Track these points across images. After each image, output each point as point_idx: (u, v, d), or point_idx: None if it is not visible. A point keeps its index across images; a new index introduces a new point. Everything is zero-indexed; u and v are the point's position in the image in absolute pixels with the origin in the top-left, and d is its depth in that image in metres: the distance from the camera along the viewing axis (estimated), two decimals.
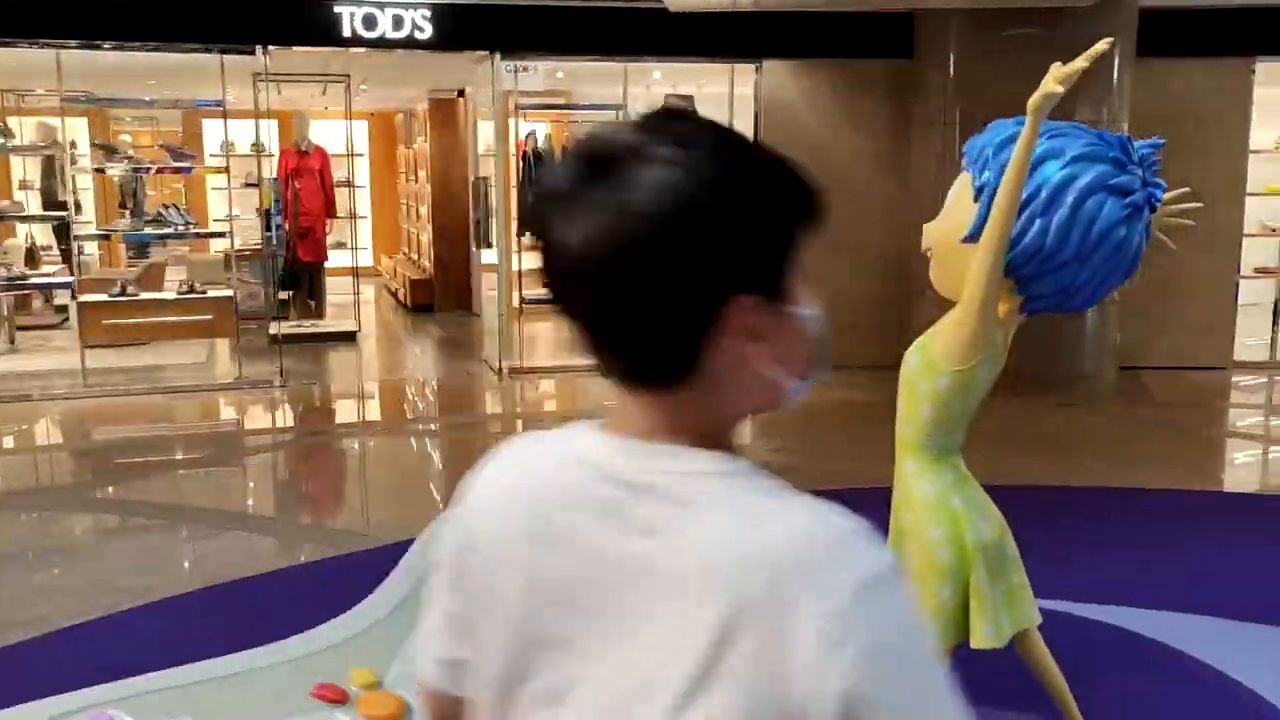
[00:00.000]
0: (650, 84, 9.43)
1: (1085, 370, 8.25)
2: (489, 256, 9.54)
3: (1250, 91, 8.83)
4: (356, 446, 7.11)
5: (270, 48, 8.17)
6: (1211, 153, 8.74)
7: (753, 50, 8.82)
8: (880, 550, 0.92)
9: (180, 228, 8.45)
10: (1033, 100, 2.38)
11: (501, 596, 0.97)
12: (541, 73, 9.33)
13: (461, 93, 12.32)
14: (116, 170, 8.84)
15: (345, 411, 8.28)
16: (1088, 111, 7.94)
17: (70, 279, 8.34)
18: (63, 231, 8.89)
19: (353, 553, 4.65)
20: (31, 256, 9.90)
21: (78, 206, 9.17)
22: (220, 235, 8.33)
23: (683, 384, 0.93)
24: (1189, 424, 7.94)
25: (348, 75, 10.24)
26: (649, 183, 0.89)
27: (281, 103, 9.00)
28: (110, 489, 6.14)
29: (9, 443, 7.18)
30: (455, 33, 8.30)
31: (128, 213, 10.36)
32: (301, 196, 10.19)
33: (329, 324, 10.67)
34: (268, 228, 9.09)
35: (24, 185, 11.39)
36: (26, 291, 9.23)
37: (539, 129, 8.97)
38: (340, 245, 11.07)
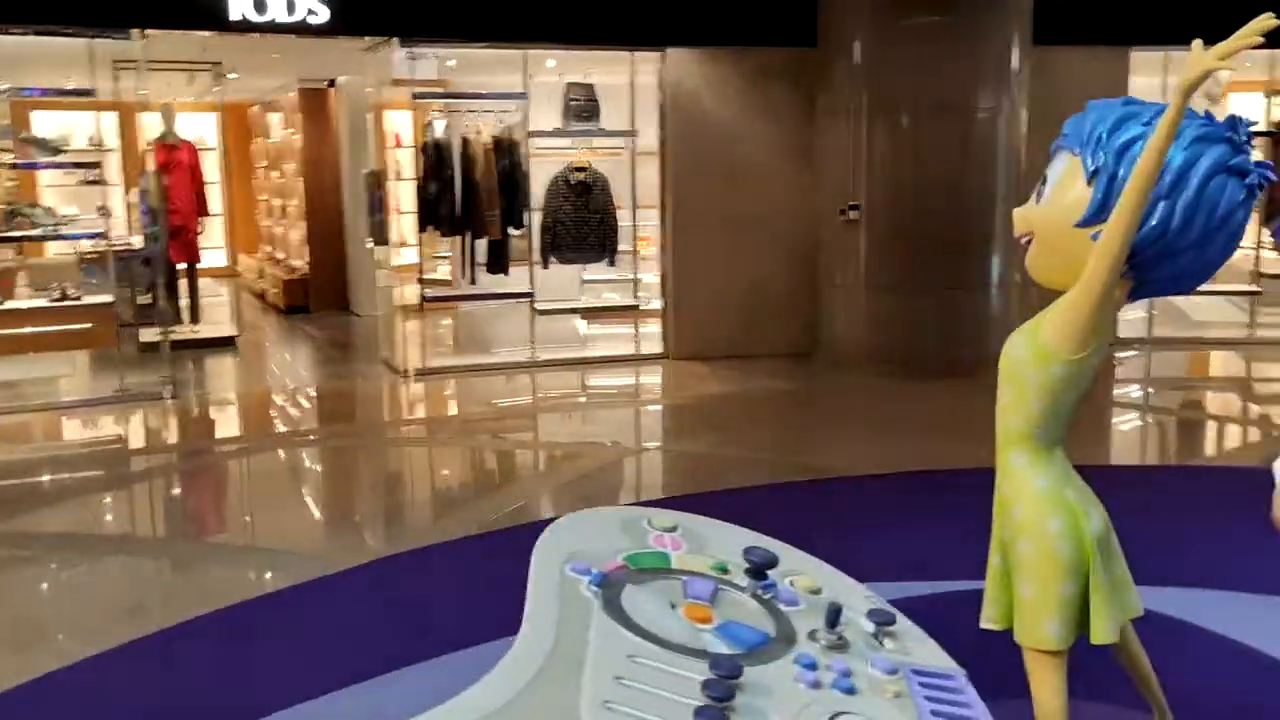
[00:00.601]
0: (548, 73, 9.18)
1: (991, 352, 8.43)
2: (402, 255, 9.14)
3: (1127, 80, 9.23)
4: (283, 456, 6.63)
5: (148, 32, 7.57)
6: None
7: (656, 38, 8.69)
8: None
9: (50, 228, 7.74)
10: (1187, 78, 2.30)
11: None
12: (435, 61, 8.97)
13: (333, 83, 11.77)
14: None
15: (253, 423, 7.74)
16: (989, 98, 8.18)
17: None
18: None
19: (318, 578, 4.30)
20: None
21: None
22: (98, 236, 7.66)
23: None
24: (1104, 400, 8.25)
25: (218, 62, 9.63)
26: None
27: (130, 93, 8.32)
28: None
29: None
30: (352, 17, 7.87)
31: None
32: (171, 194, 9.50)
33: (206, 330, 10.02)
34: (149, 225, 8.41)
35: None
36: None
37: (436, 119, 8.60)
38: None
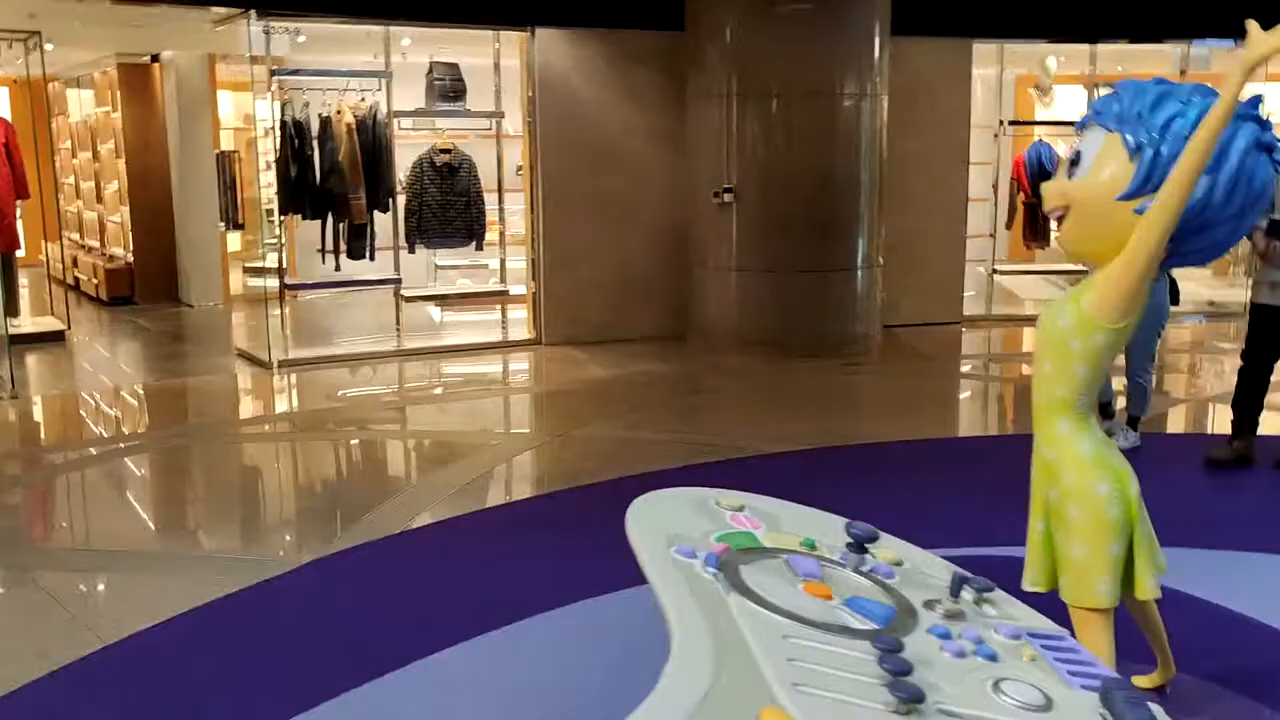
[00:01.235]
0: (410, 51, 8.86)
1: (858, 332, 8.76)
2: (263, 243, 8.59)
3: (970, 70, 9.71)
4: (159, 460, 6.14)
5: None
6: (940, 125, 9.54)
7: (521, 17, 8.54)
8: None
9: None
10: (1250, 58, 2.41)
11: None
12: (287, 37, 8.51)
13: (156, 58, 11.00)
14: None
15: (114, 422, 7.12)
16: (854, 84, 8.43)
17: None
18: None
19: (269, 579, 4.02)
20: None
21: None
22: None
23: None
24: (953, 375, 8.68)
25: (37, 32, 8.84)
26: None
27: None
28: None
29: None
30: None
31: None
32: None
33: (28, 324, 9.21)
34: None
35: None
36: None
37: (295, 98, 8.15)
38: None
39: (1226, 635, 3.48)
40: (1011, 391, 8.04)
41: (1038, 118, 11.10)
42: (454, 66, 8.76)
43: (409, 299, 8.84)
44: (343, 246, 8.44)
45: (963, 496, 4.91)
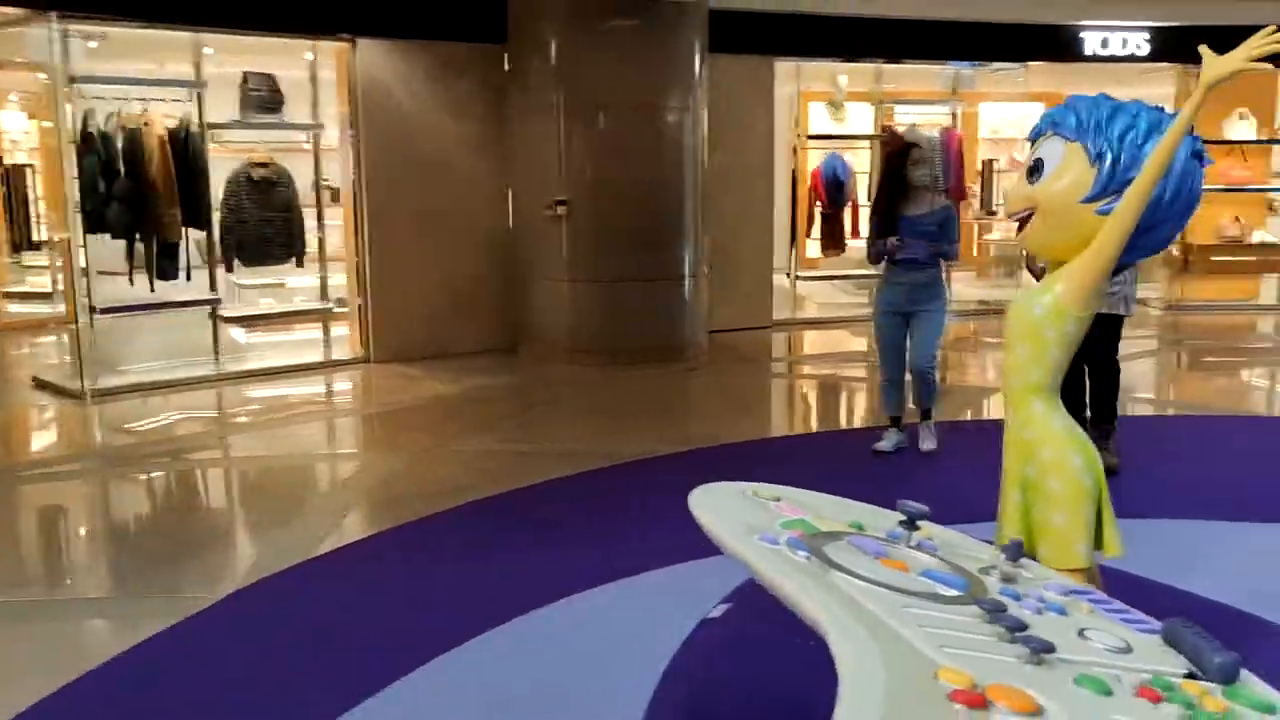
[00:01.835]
0: (223, 62, 8.42)
1: (687, 338, 9.03)
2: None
3: (773, 86, 10.22)
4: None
5: None
6: (748, 139, 10.01)
7: (336, 26, 8.33)
8: None
9: None
10: (1207, 78, 2.75)
11: None
12: (81, 43, 7.92)
13: None
14: None
15: None
16: (678, 98, 8.72)
17: None
18: None
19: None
20: None
21: None
22: None
23: None
24: (783, 374, 9.11)
25: None
26: None
27: None
28: None
29: None
30: None
31: None
32: None
33: None
34: None
35: None
36: None
37: (98, 108, 7.56)
38: None
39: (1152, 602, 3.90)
40: (839, 387, 8.53)
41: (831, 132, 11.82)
42: (270, 77, 8.42)
43: (227, 320, 8.41)
44: (141, 266, 7.89)
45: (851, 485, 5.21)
